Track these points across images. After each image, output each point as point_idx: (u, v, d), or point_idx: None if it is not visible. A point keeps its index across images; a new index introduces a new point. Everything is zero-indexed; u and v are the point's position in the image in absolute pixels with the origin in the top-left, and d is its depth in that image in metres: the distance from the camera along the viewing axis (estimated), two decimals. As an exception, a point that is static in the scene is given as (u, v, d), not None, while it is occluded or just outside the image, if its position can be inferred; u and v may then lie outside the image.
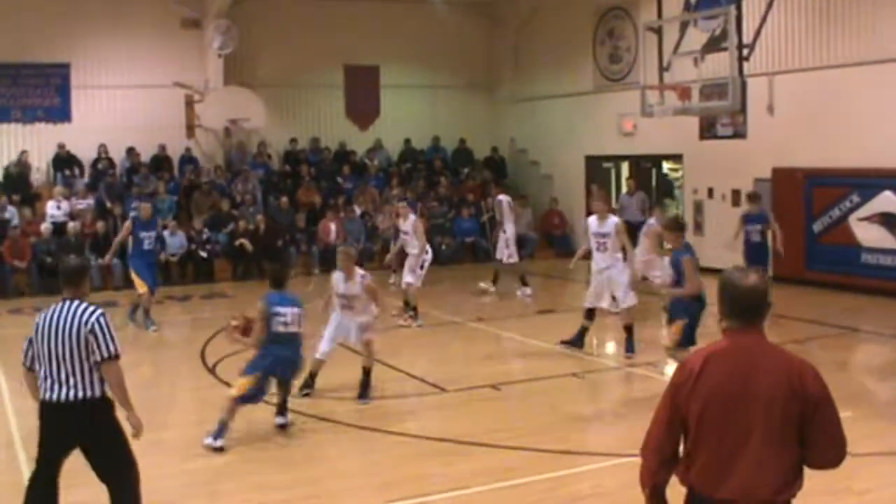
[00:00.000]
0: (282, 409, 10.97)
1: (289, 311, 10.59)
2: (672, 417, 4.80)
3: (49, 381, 7.12)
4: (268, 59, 27.82)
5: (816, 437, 4.62)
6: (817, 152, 20.48)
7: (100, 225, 23.28)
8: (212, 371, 13.97)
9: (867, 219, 19.72)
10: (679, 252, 12.02)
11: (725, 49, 19.21)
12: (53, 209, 24.20)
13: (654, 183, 26.84)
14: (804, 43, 21.01)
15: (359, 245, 25.25)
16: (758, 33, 19.50)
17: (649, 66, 20.83)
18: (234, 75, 26.94)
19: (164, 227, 23.80)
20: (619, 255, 14.64)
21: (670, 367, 12.76)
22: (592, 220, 14.82)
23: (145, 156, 26.56)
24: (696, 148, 23.94)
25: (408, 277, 17.79)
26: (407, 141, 30.01)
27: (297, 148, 28.57)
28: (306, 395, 12.20)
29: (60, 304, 7.20)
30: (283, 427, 10.82)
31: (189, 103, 26.51)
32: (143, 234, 17.66)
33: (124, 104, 26.11)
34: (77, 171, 25.84)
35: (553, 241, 28.52)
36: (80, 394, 7.08)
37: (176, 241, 23.51)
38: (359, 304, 12.22)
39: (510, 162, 31.13)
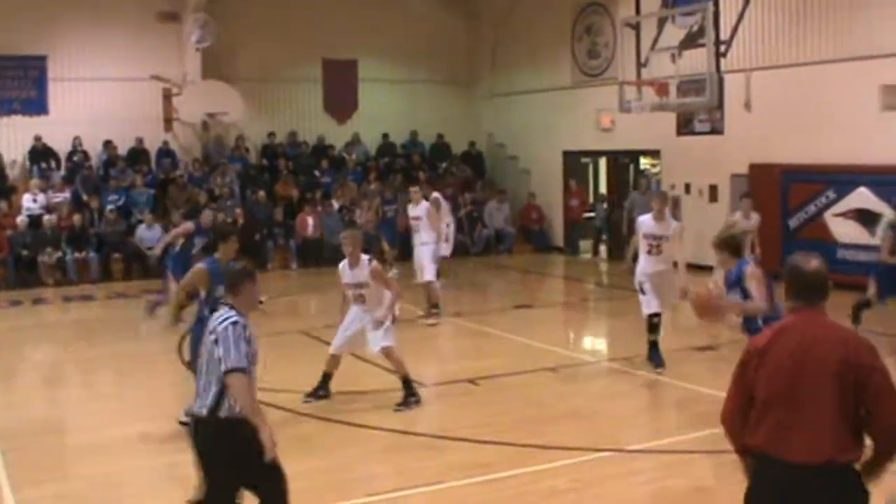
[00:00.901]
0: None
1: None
2: (743, 388, 5.28)
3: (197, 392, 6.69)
4: (246, 53, 27.74)
5: (872, 405, 5.00)
6: (794, 148, 20.59)
7: (76, 218, 23.24)
8: (189, 365, 13.93)
9: (842, 215, 19.85)
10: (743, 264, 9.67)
11: (703, 45, 19.26)
12: (29, 202, 24.11)
13: (631, 178, 26.91)
14: (781, 40, 21.11)
15: (336, 239, 25.26)
16: (735, 30, 19.57)
17: (627, 62, 20.87)
18: (212, 69, 26.85)
19: (141, 221, 23.79)
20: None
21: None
22: (646, 218, 13.43)
23: (122, 149, 26.44)
24: (673, 143, 24.02)
25: (428, 275, 17.13)
26: (385, 135, 29.99)
27: (275, 142, 28.51)
28: (322, 396, 11.82)
29: (219, 311, 6.72)
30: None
31: (167, 97, 26.40)
32: (197, 240, 17.56)
33: (102, 97, 25.97)
34: (53, 163, 25.71)
35: (531, 236, 28.59)
36: (198, 409, 6.54)
37: (153, 234, 23.44)
38: (370, 294, 11.59)
39: (488, 157, 31.16)
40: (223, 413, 6.43)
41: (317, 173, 28.05)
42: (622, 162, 26.99)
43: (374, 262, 11.71)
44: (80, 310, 20.40)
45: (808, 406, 5.02)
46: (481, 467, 9.39)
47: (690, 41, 21.09)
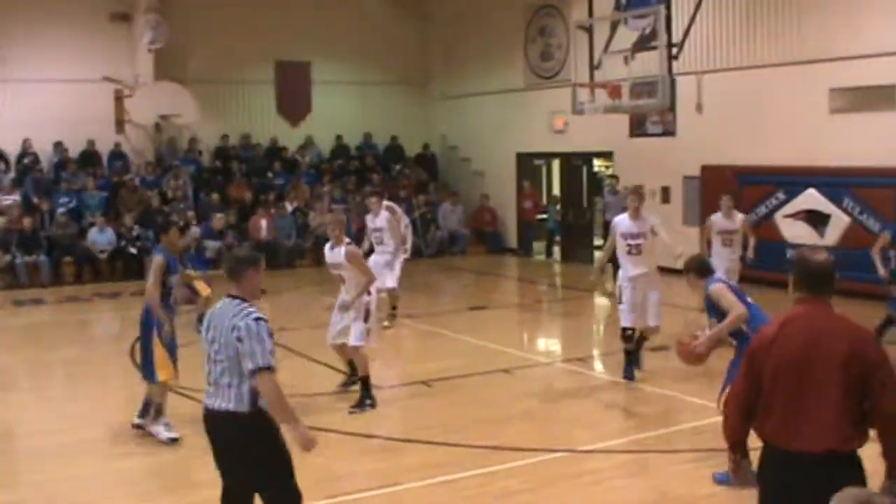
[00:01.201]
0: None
1: None
2: (750, 379, 5.37)
3: (208, 386, 6.48)
4: (199, 55, 27.61)
5: (877, 398, 5.13)
6: (745, 150, 20.77)
7: (26, 221, 22.98)
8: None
9: (792, 216, 20.05)
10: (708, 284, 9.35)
11: (655, 48, 19.40)
12: (-21, 205, 23.87)
13: (584, 180, 27.01)
14: (732, 43, 21.29)
15: (290, 241, 25.23)
16: (687, 33, 19.74)
17: (580, 64, 20.96)
18: (164, 70, 26.67)
19: (92, 224, 23.59)
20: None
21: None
22: (622, 218, 12.82)
23: (73, 151, 26.21)
24: (626, 145, 24.15)
25: (389, 282, 16.63)
26: (338, 137, 29.94)
27: (229, 144, 28.39)
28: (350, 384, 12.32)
29: (223, 301, 6.48)
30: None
31: (118, 98, 26.17)
32: (209, 243, 17.46)
33: (52, 98, 25.62)
34: (3, 166, 25.42)
35: (484, 238, 28.64)
36: (225, 405, 6.33)
37: (105, 237, 23.30)
38: (347, 277, 11.82)
39: (441, 159, 31.19)
40: (261, 406, 6.31)
41: (270, 175, 27.95)
42: (575, 164, 27.09)
43: (352, 247, 11.89)
44: (31, 314, 20.20)
45: (813, 397, 5.16)
46: (436, 468, 9.40)
47: (643, 44, 21.24)
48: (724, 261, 15.30)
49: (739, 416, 5.47)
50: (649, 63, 19.72)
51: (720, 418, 10.40)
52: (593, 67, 20.59)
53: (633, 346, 12.91)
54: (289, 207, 26.32)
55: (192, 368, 11.33)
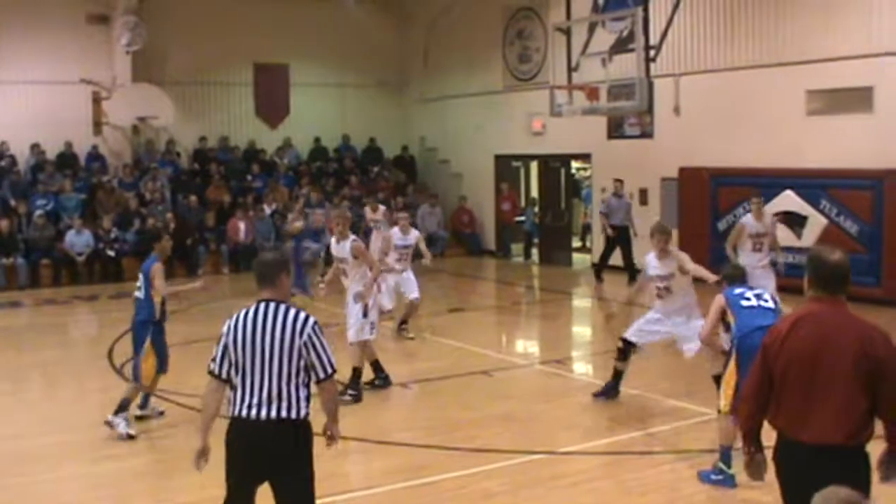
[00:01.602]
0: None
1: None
2: (763, 373, 5.59)
3: (248, 396, 6.14)
4: (177, 57, 27.53)
5: (885, 392, 5.31)
6: (722, 152, 20.84)
7: (3, 223, 22.84)
8: (119, 372, 13.81)
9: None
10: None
11: (632, 50, 19.48)
12: (-45, 207, 23.74)
13: (562, 182, 27.06)
14: (709, 45, 21.37)
15: (269, 244, 25.16)
16: (664, 35, 19.81)
17: (558, 67, 21.02)
18: (142, 72, 26.59)
19: (70, 226, 23.49)
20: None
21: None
22: (650, 258, 11.67)
23: (51, 153, 26.09)
24: (604, 147, 24.21)
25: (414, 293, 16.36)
26: (317, 139, 29.92)
27: (207, 146, 28.32)
28: (380, 383, 12.70)
29: (258, 307, 6.26)
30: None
31: (96, 100, 26.05)
32: (309, 244, 17.23)
33: (30, 100, 25.52)
34: (-21, 168, 25.33)
35: (463, 240, 28.67)
36: (284, 413, 6.11)
37: (82, 239, 23.20)
38: (350, 270, 12.55)
39: (420, 161, 31.20)
40: (309, 413, 6.25)
41: (248, 178, 27.90)
42: (553, 166, 27.13)
43: (357, 241, 12.59)
44: (8, 317, 20.08)
45: (824, 391, 5.34)
46: (415, 471, 9.41)
47: (620, 46, 21.30)
48: (753, 267, 13.98)
49: (752, 409, 5.67)
50: (627, 65, 19.78)
51: (702, 420, 10.52)
52: (571, 69, 20.65)
53: (623, 367, 11.92)
54: (267, 210, 26.26)
55: (174, 371, 11.36)
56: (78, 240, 23.13)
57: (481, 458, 9.79)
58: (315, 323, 6.18)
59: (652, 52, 19.42)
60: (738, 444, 8.90)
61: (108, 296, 21.25)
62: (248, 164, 28.30)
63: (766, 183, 20.11)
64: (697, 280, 11.27)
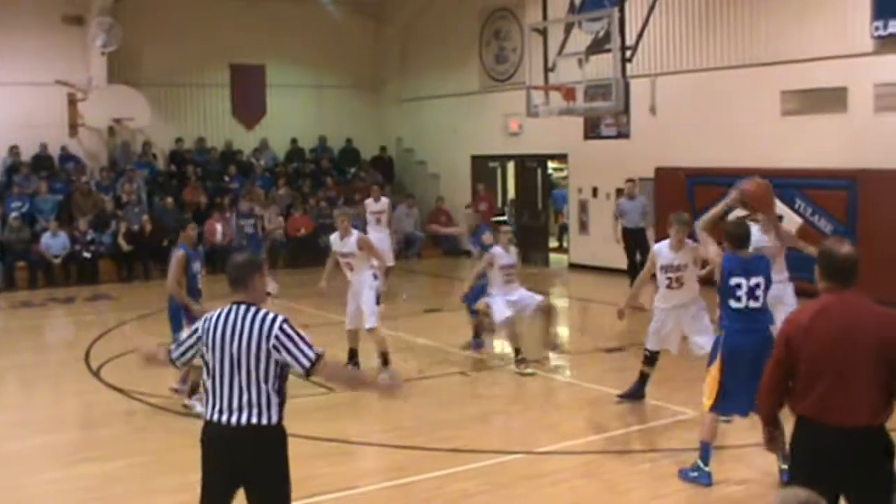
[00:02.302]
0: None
1: None
2: (786, 364, 5.84)
3: (219, 401, 6.03)
4: (153, 58, 27.45)
5: None
6: (698, 152, 20.92)
7: (-22, 226, 22.78)
8: (96, 374, 13.77)
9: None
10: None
11: (609, 51, 19.49)
12: (-70, 210, 23.59)
13: (539, 182, 27.09)
14: (685, 45, 21.47)
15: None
16: (640, 36, 19.83)
17: (535, 67, 21.03)
18: (118, 73, 26.49)
19: (46, 229, 23.38)
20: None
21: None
22: (662, 247, 11.65)
23: (26, 155, 25.96)
24: (580, 148, 24.26)
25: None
26: (293, 140, 29.89)
27: (183, 148, 28.25)
28: None
29: (230, 309, 6.12)
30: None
31: (72, 102, 25.92)
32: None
33: (4, 102, 25.31)
34: (-45, 170, 25.19)
35: (439, 240, 28.61)
36: (255, 419, 5.99)
37: (58, 242, 23.09)
38: (356, 262, 13.31)
39: (397, 161, 31.19)
40: (282, 420, 6.15)
41: (225, 179, 27.82)
42: (530, 166, 27.16)
43: (362, 235, 13.72)
44: (-17, 319, 20.02)
45: (848, 378, 5.64)
46: (393, 472, 9.43)
47: (597, 46, 21.31)
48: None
49: (774, 399, 6.00)
50: (603, 66, 19.81)
51: (681, 419, 10.55)
52: (548, 70, 20.65)
53: (649, 370, 11.73)
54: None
55: (150, 373, 11.32)
56: (54, 242, 23.03)
57: (459, 458, 9.80)
58: (283, 321, 6.00)
59: (628, 53, 19.45)
60: (718, 440, 9.01)
61: (84, 298, 21.18)
62: (225, 165, 28.23)
63: (741, 182, 20.21)
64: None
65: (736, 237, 9.18)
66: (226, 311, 6.10)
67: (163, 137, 28.11)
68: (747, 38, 20.18)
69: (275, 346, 5.93)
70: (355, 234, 13.46)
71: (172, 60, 27.48)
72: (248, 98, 29.04)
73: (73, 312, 20.33)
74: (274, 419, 6.05)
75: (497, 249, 14.13)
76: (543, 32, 21.21)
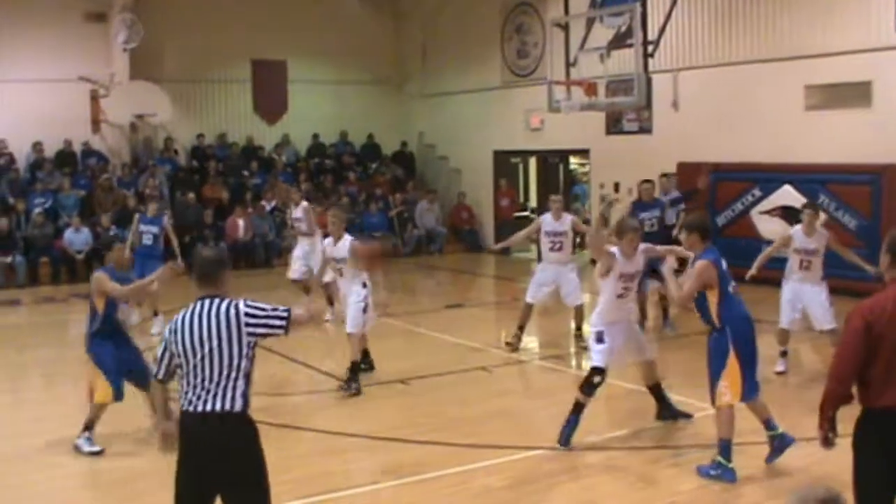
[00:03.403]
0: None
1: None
2: (863, 351, 5.65)
3: (191, 390, 6.09)
4: (174, 54, 27.53)
5: None
6: (721, 147, 20.84)
7: (2, 221, 22.82)
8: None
9: (768, 212, 20.12)
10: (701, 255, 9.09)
11: (631, 46, 19.40)
12: (-47, 206, 23.70)
13: (561, 178, 27.05)
14: (707, 40, 21.38)
15: (270, 238, 25.12)
16: (662, 30, 19.75)
17: (556, 62, 20.96)
18: (140, 70, 26.56)
19: (69, 224, 23.47)
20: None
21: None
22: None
23: (49, 151, 26.08)
24: (602, 143, 24.22)
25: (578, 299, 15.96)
26: (315, 136, 29.92)
27: (205, 143, 28.30)
28: (364, 369, 12.87)
29: (196, 305, 6.20)
30: None
31: (94, 98, 26.04)
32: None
33: (28, 98, 25.47)
34: (-22, 167, 25.30)
35: (461, 236, 28.64)
36: (228, 406, 6.01)
37: (81, 237, 23.17)
38: (347, 270, 12.50)
39: (419, 157, 31.19)
40: (248, 408, 6.14)
41: (246, 174, 27.88)
42: (552, 161, 27.11)
43: (357, 241, 12.53)
44: (7, 315, 20.07)
45: None
46: (414, 467, 9.40)
47: (619, 41, 21.23)
48: (802, 291, 12.81)
49: (847, 388, 5.75)
50: (625, 60, 19.74)
51: (704, 415, 10.47)
52: (569, 65, 20.57)
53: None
54: (267, 207, 26.26)
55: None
56: (76, 238, 23.12)
57: (481, 453, 9.78)
58: (244, 301, 6.12)
59: (650, 48, 19.36)
60: (739, 437, 8.96)
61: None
62: (247, 160, 28.29)
63: (764, 178, 20.15)
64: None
65: (707, 229, 9.31)
66: (192, 307, 6.21)
67: (184, 133, 28.19)
68: (770, 32, 20.09)
69: (247, 324, 6.04)
70: (348, 238, 12.60)
71: (194, 56, 27.54)
72: (269, 93, 29.07)
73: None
74: (238, 407, 6.05)
75: (546, 217, 14.97)
76: (565, 27, 21.13)
